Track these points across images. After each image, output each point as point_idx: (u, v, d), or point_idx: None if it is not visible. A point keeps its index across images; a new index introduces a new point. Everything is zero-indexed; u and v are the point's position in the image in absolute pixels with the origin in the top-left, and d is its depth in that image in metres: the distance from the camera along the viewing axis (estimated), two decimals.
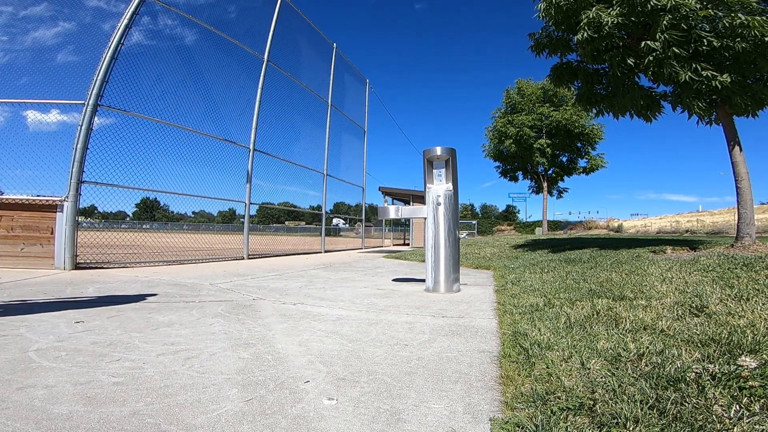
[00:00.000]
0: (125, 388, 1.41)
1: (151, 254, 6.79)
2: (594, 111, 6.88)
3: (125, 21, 5.76)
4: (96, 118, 5.50)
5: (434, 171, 4.03)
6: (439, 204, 3.91)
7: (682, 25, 5.01)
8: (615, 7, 5.23)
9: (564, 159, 28.26)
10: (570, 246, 8.18)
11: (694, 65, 5.14)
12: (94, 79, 5.52)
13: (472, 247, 10.23)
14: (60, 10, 6.05)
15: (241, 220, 8.65)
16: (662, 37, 5.06)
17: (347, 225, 20.49)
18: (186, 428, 1.14)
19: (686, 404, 1.15)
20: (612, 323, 2.07)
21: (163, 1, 6.37)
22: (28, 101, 5.74)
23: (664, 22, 5.02)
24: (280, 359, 1.79)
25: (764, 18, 4.80)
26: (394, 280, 4.98)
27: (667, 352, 1.56)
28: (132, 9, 5.82)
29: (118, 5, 5.96)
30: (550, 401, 1.25)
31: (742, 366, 1.37)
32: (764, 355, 1.43)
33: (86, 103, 5.43)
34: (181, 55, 7.21)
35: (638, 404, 1.16)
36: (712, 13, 5.02)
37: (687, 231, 30.06)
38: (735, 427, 1.02)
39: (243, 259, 8.03)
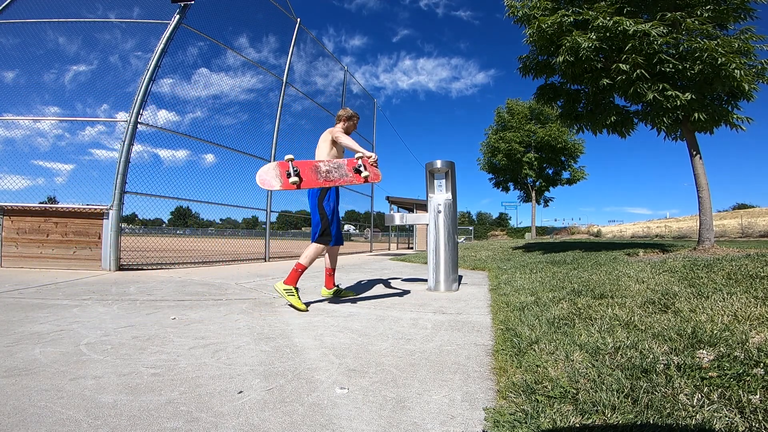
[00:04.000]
0: (162, 379, 1.43)
1: (184, 256, 6.83)
2: (575, 127, 6.85)
3: (158, 52, 5.84)
4: (135, 145, 5.58)
5: (435, 182, 4.03)
6: (439, 212, 3.91)
7: (646, 49, 5.02)
8: (591, 33, 5.26)
9: (550, 171, 28.01)
10: (556, 249, 8.12)
11: (659, 85, 5.13)
12: (135, 99, 5.59)
13: (469, 251, 10.18)
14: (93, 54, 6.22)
15: (263, 226, 8.67)
16: (630, 59, 5.07)
17: (357, 230, 20.47)
18: (215, 415, 1.15)
19: (656, 393, 1.14)
20: (592, 319, 2.06)
21: (193, 27, 6.43)
22: (84, 119, 5.90)
23: (629, 46, 5.03)
24: (297, 352, 1.80)
25: (718, 42, 4.79)
26: (399, 280, 4.97)
27: (639, 345, 1.55)
28: (163, 43, 5.88)
29: (150, 41, 6.10)
30: (538, 390, 1.25)
31: (702, 358, 1.36)
32: (721, 348, 1.42)
33: (129, 121, 5.50)
34: (208, 80, 7.35)
35: (615, 393, 1.15)
36: (673, 39, 5.02)
37: (657, 236, 29.73)
38: (698, 414, 1.01)
39: (264, 261, 8.06)
